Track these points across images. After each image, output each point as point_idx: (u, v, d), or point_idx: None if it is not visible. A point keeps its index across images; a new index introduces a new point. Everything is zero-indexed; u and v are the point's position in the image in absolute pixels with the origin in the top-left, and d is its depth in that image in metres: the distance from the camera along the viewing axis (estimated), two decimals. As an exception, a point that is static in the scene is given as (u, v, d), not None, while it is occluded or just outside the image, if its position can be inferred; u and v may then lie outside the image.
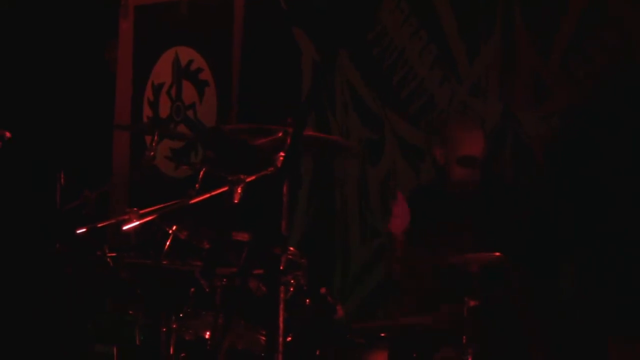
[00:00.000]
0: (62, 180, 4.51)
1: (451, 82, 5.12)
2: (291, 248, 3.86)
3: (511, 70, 4.96)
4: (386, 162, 5.28)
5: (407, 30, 5.14)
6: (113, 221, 3.97)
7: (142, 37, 5.41)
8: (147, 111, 5.38)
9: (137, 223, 3.79)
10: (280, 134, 3.91)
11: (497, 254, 3.81)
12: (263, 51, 4.93)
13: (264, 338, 3.81)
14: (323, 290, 3.99)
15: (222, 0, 5.05)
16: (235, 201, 3.79)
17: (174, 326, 3.78)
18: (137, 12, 5.42)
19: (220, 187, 3.80)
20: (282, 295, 3.73)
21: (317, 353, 3.82)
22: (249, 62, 4.96)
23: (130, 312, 3.99)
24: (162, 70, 5.29)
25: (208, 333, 3.79)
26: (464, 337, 3.77)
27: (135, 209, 3.85)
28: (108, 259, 4.02)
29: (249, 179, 3.81)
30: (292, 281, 3.80)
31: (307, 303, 3.88)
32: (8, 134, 2.39)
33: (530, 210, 4.50)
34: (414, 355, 4.03)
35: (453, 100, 5.07)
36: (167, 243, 4.00)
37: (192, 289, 3.88)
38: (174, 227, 4.02)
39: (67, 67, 5.70)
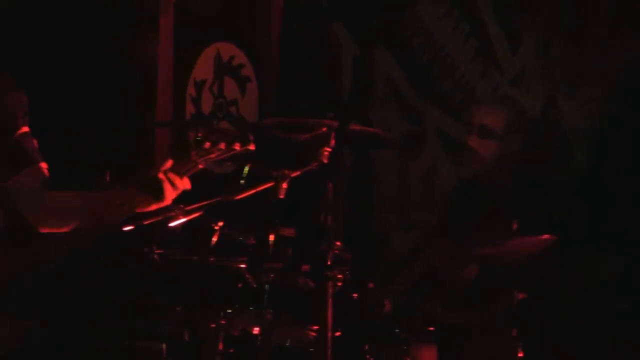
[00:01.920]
0: (108, 178, 4.54)
1: (492, 75, 5.11)
2: (337, 243, 3.87)
3: (551, 61, 4.94)
4: (427, 155, 5.28)
5: (448, 23, 5.13)
6: (159, 218, 4.01)
7: (183, 33, 5.40)
8: (189, 108, 5.38)
9: (183, 220, 3.83)
10: (324, 129, 3.93)
11: (547, 235, 3.80)
12: (303, 46, 4.94)
13: (311, 334, 3.82)
14: (371, 284, 3.99)
15: None
16: (281, 197, 3.82)
17: (222, 322, 3.80)
18: (178, 8, 5.38)
19: (265, 183, 3.84)
20: (329, 290, 3.76)
21: (365, 348, 3.83)
22: (290, 57, 4.97)
23: (178, 308, 4.01)
24: (203, 67, 5.26)
25: (256, 329, 3.81)
26: (514, 330, 3.77)
27: (180, 205, 3.88)
28: (155, 256, 4.04)
29: (293, 174, 3.83)
30: (339, 276, 3.80)
31: (355, 298, 3.88)
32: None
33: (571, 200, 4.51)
34: (461, 349, 4.03)
35: (494, 92, 5.07)
36: (214, 239, 4.04)
37: (239, 285, 3.90)
38: (220, 223, 4.04)
39: (107, 64, 5.72)
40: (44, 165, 3.03)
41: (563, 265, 4.27)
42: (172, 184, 2.99)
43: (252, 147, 2.86)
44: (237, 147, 2.94)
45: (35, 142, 3.03)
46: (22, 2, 5.34)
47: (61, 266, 2.83)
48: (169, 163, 2.99)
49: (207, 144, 2.96)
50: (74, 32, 5.88)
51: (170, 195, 2.99)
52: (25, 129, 2.99)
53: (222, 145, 3.01)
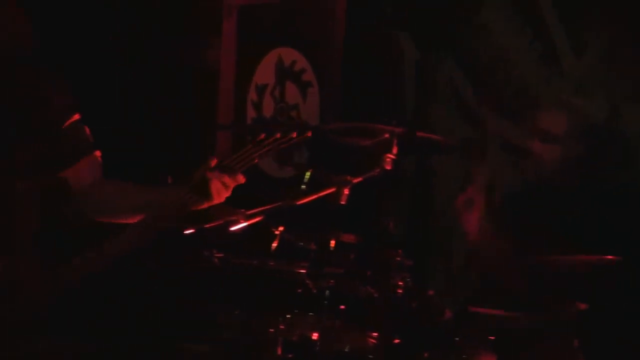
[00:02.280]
0: (170, 181, 4.57)
1: (555, 80, 5.06)
2: (398, 249, 3.87)
3: (616, 67, 4.89)
4: (488, 161, 5.25)
5: (511, 28, 5.09)
6: (221, 222, 4.03)
7: (245, 38, 5.43)
8: (250, 112, 5.41)
9: (244, 224, 3.85)
10: (386, 135, 3.92)
11: (611, 257, 3.76)
12: (365, 51, 4.94)
13: (371, 340, 3.81)
14: (431, 292, 3.97)
15: (324, 0, 5.05)
16: (342, 202, 3.81)
17: (281, 327, 3.80)
18: (241, 13, 5.42)
19: (326, 189, 3.83)
20: (390, 297, 3.75)
21: (425, 356, 3.81)
22: (352, 62, 4.97)
23: (237, 312, 4.03)
24: (265, 71, 5.30)
25: (315, 335, 3.80)
26: (576, 340, 3.73)
27: (242, 209, 3.90)
28: (215, 259, 4.05)
29: (355, 180, 3.83)
30: (400, 283, 3.80)
31: (415, 305, 3.87)
32: None
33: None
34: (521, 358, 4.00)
35: (557, 98, 5.02)
36: (274, 244, 4.04)
37: (299, 290, 3.90)
38: (281, 228, 4.05)
39: (171, 66, 5.77)
40: (98, 153, 3.04)
41: (626, 276, 4.22)
42: (222, 182, 2.98)
43: (309, 134, 2.80)
44: (294, 135, 2.89)
45: (87, 129, 3.01)
46: (89, 3, 5.42)
47: (117, 269, 2.84)
48: (214, 161, 2.97)
49: (262, 135, 2.92)
50: (139, 35, 5.94)
51: (219, 193, 2.98)
52: (76, 116, 2.97)
53: (278, 135, 2.96)
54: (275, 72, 5.25)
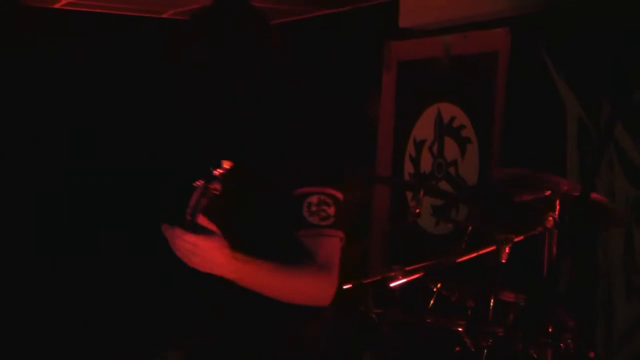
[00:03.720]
0: None
1: None
2: (561, 310, 3.79)
3: None
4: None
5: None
6: (379, 277, 4.05)
7: (404, 92, 5.46)
8: (408, 167, 5.43)
9: (403, 280, 3.85)
10: (548, 192, 3.87)
11: None
12: (526, 106, 4.88)
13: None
14: (592, 354, 3.88)
15: (484, 56, 5.01)
16: (503, 260, 3.77)
17: (439, 385, 3.78)
18: (400, 67, 5.47)
19: (487, 246, 3.80)
20: (550, 357, 3.67)
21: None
22: (512, 118, 4.92)
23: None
24: (424, 126, 5.31)
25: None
26: None
27: (400, 265, 3.91)
28: (373, 315, 4.06)
29: (517, 239, 3.79)
30: (561, 345, 3.72)
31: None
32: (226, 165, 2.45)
33: None
34: None
35: None
36: (432, 300, 4.03)
37: (457, 348, 3.87)
38: (439, 285, 4.04)
39: (331, 119, 5.86)
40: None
41: None
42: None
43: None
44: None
45: None
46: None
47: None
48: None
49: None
50: (300, 89, 6.08)
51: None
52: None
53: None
54: (434, 127, 5.25)
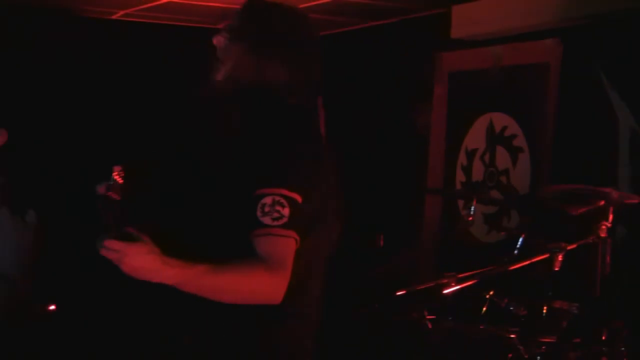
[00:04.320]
0: (381, 242, 4.70)
1: None
2: (615, 319, 3.80)
3: None
4: None
5: None
6: (431, 284, 4.09)
7: (455, 102, 5.50)
8: (459, 176, 5.46)
9: (456, 287, 3.89)
10: (601, 203, 3.89)
11: None
12: (577, 116, 4.90)
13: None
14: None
15: (535, 66, 5.05)
16: (556, 268, 3.80)
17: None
18: (452, 78, 5.52)
19: (539, 254, 3.83)
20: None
21: None
22: (563, 127, 4.94)
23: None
24: (476, 136, 5.35)
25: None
26: None
27: (454, 273, 3.95)
28: (426, 321, 4.11)
29: (569, 247, 3.82)
30: (616, 352, 3.73)
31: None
32: None
33: None
34: None
35: None
36: (484, 308, 4.07)
37: (509, 355, 3.89)
38: (491, 292, 4.07)
39: (384, 130, 5.94)
40: None
41: None
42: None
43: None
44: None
45: None
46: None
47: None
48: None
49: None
50: (352, 100, 6.17)
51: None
52: None
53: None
54: (486, 136, 5.29)
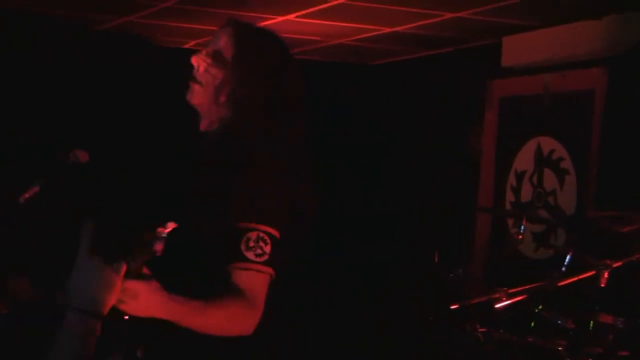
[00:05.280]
0: (436, 257, 4.87)
1: None
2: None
3: None
4: None
5: None
6: (484, 299, 4.25)
7: (505, 127, 5.65)
8: (509, 196, 5.60)
9: (508, 302, 4.06)
10: (644, 223, 4.03)
11: None
12: (622, 141, 4.96)
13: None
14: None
15: (582, 93, 5.18)
16: (602, 285, 3.93)
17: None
18: (502, 103, 5.67)
19: (586, 271, 3.97)
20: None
21: None
22: (608, 151, 5.03)
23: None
24: (524, 159, 5.50)
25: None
26: None
27: (504, 288, 4.11)
28: (478, 334, 4.26)
29: (615, 265, 3.95)
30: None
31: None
32: None
33: None
34: None
35: None
36: (533, 322, 4.20)
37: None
38: (540, 306, 4.20)
39: (436, 152, 6.09)
40: None
41: None
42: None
43: None
44: None
45: None
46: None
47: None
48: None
49: None
50: (409, 124, 6.32)
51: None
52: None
53: None
54: (534, 159, 5.43)
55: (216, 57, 2.78)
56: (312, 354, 5.70)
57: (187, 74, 2.86)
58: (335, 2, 4.90)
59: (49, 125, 5.55)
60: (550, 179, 5.34)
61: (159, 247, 2.34)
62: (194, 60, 2.80)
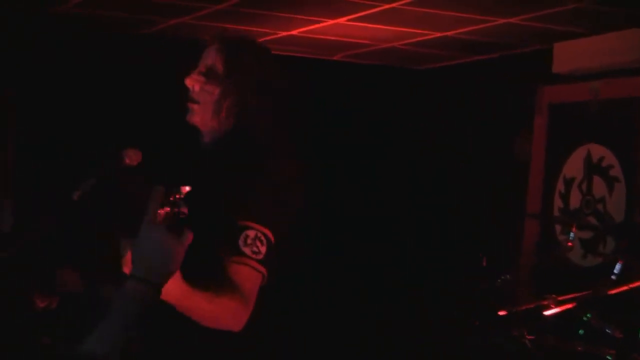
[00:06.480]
0: (484, 262, 4.89)
1: None
2: None
3: None
4: None
5: None
6: (532, 305, 4.27)
7: (555, 133, 5.66)
8: (557, 202, 5.61)
9: (556, 310, 4.07)
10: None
11: None
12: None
13: None
14: None
15: (630, 100, 5.19)
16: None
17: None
18: (551, 110, 5.68)
19: (636, 279, 3.97)
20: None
21: None
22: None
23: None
24: (573, 165, 5.51)
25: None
26: None
27: (553, 295, 4.13)
28: (526, 340, 4.27)
29: (665, 273, 3.97)
30: None
31: None
32: None
33: None
34: None
35: None
36: (581, 329, 4.20)
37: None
38: (589, 314, 4.19)
39: (486, 157, 6.11)
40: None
41: None
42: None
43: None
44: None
45: None
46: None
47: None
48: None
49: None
50: (459, 131, 6.35)
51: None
52: None
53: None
54: (584, 166, 5.45)
55: (209, 74, 2.82)
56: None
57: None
58: (386, 6, 4.94)
59: (102, 124, 5.65)
60: (599, 186, 5.35)
61: (184, 209, 2.37)
62: (188, 81, 2.84)
